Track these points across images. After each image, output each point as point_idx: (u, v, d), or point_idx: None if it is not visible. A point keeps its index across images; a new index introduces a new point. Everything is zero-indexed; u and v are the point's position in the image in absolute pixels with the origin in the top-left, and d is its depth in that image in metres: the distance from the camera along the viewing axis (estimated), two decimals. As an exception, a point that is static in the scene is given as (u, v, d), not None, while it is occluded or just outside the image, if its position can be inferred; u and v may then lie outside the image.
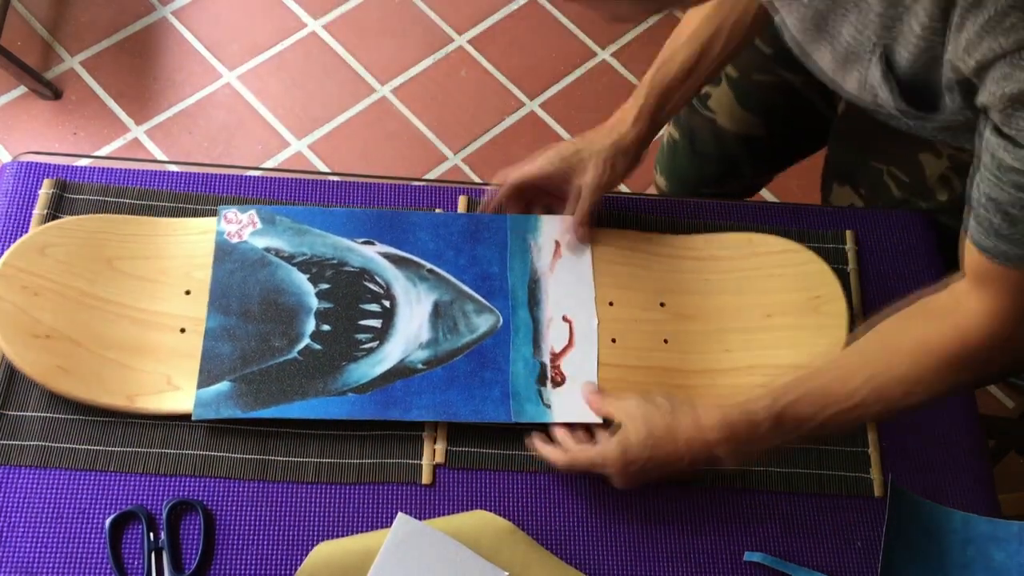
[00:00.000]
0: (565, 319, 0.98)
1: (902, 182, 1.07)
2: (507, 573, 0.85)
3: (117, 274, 0.94)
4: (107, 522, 0.84)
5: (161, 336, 0.92)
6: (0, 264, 0.91)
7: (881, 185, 1.09)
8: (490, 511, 0.89)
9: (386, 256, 0.99)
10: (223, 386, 0.90)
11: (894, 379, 0.78)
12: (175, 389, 0.90)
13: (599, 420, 0.92)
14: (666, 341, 0.98)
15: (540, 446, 0.90)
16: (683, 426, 0.83)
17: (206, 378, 0.90)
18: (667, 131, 1.30)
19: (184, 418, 0.89)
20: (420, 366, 0.94)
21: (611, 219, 1.06)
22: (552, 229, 1.03)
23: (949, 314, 0.77)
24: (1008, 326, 0.74)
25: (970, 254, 0.73)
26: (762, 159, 1.28)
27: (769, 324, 0.99)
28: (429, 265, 0.99)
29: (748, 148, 1.24)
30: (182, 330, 0.93)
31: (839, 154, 1.17)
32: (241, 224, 0.99)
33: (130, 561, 0.84)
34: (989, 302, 0.73)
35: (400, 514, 0.87)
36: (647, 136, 0.98)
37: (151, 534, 0.85)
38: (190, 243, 0.98)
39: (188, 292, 0.95)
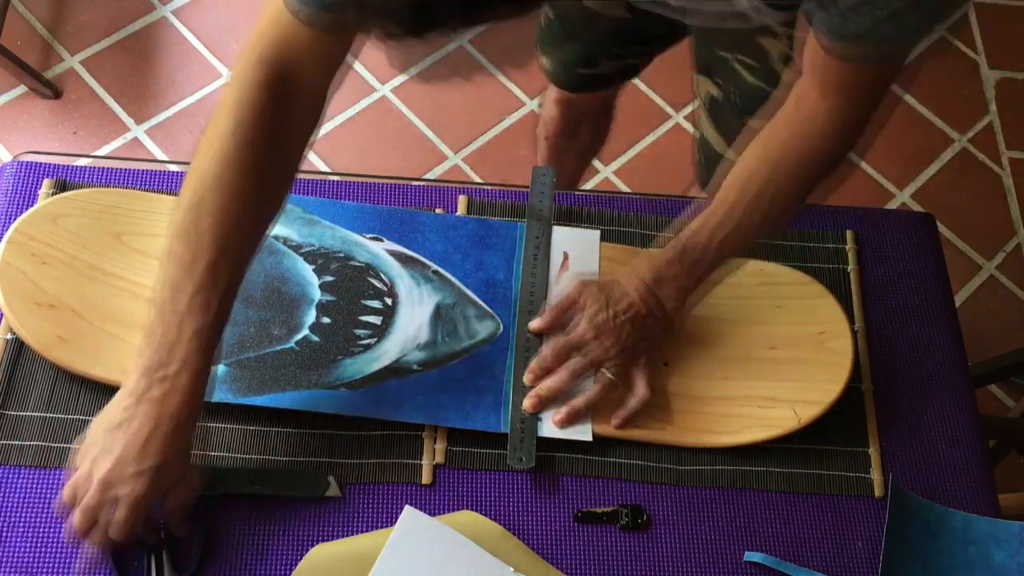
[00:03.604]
0: (565, 332, 0.97)
1: (752, 67, 1.09)
2: (512, 569, 0.85)
3: (125, 249, 0.95)
4: None
5: None
6: (11, 230, 0.92)
7: (732, 72, 1.11)
8: (489, 512, 0.89)
9: (393, 254, 0.99)
10: (218, 369, 0.90)
11: (763, 191, 0.89)
12: None
13: (589, 438, 0.92)
14: (666, 364, 0.97)
15: (539, 391, 0.92)
16: (626, 278, 0.94)
17: None
18: (544, 12, 1.31)
19: None
20: (415, 367, 0.94)
21: (613, 218, 1.06)
22: (563, 241, 1.03)
23: (801, 123, 0.87)
24: (853, 119, 0.86)
25: (817, 60, 0.81)
26: (631, 40, 1.28)
27: (772, 356, 0.98)
28: (435, 266, 0.99)
29: (615, 29, 1.24)
30: None
31: (695, 46, 1.20)
32: None
33: (130, 561, 0.84)
34: (835, 103, 0.84)
35: (407, 507, 0.87)
36: None
37: (151, 534, 0.84)
38: None
39: None
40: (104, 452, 0.77)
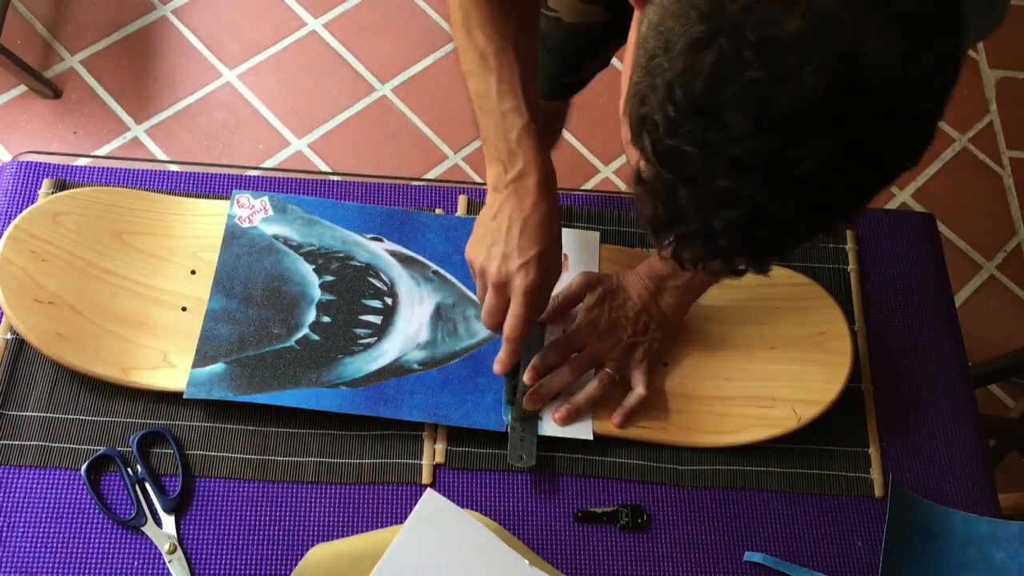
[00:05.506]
0: (565, 332, 0.97)
1: None
2: (527, 561, 0.85)
3: (125, 248, 0.95)
4: (83, 470, 0.86)
5: (162, 313, 0.93)
6: (11, 227, 0.92)
7: None
8: (490, 512, 0.89)
9: (393, 254, 0.99)
10: (218, 367, 0.90)
11: None
12: (170, 366, 0.90)
13: (590, 436, 0.92)
14: (666, 364, 0.97)
15: (540, 388, 0.92)
16: (627, 279, 0.96)
17: (202, 358, 0.91)
18: None
19: (176, 395, 0.90)
20: (415, 366, 0.94)
21: (613, 218, 1.06)
22: (563, 241, 1.02)
23: None
24: None
25: None
26: (611, 37, 1.30)
27: (771, 356, 0.98)
28: (435, 267, 0.99)
29: (595, 34, 1.25)
30: (183, 309, 0.94)
31: None
32: (253, 209, 0.99)
33: (117, 502, 0.85)
34: None
35: (428, 490, 0.88)
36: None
37: (128, 470, 0.86)
38: (200, 224, 0.98)
39: (193, 272, 0.96)
40: (487, 249, 0.87)
